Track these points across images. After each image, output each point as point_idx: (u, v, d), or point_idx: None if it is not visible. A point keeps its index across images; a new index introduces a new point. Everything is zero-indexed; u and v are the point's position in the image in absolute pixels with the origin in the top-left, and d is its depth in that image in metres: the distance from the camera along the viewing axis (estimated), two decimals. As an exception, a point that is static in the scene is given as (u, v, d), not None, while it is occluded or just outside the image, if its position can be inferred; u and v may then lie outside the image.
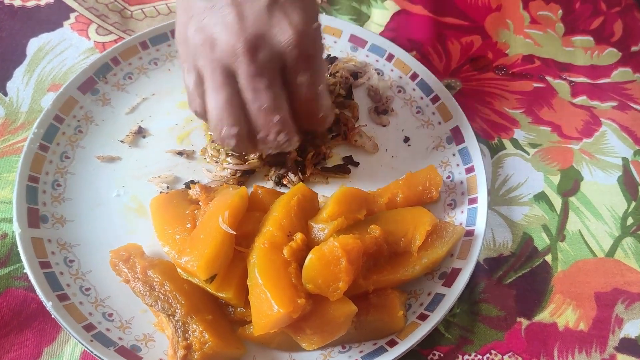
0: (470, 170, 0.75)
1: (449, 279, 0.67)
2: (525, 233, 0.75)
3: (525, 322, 0.69)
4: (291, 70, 0.62)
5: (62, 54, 0.87)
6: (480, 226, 0.70)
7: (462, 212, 0.73)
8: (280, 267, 0.59)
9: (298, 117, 0.65)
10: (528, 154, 0.82)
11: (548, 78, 0.90)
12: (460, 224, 0.72)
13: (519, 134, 0.84)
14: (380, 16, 0.95)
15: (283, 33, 0.59)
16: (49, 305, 0.61)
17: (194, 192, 0.69)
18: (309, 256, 0.58)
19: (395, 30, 0.93)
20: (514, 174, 0.80)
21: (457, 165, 0.77)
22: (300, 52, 0.60)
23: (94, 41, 0.88)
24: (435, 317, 0.64)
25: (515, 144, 0.83)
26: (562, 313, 0.70)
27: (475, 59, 0.92)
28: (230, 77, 0.60)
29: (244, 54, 0.58)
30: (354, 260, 0.59)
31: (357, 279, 0.61)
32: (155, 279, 0.62)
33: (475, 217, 0.71)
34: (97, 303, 0.65)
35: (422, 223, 0.66)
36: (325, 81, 0.66)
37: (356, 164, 0.78)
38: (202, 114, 0.65)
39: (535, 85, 0.90)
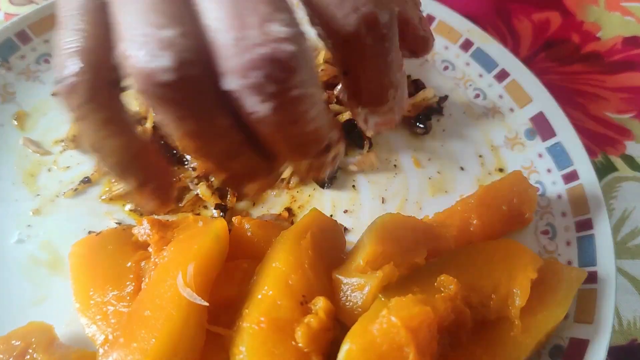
0: (571, 177, 0.50)
1: (568, 356, 0.42)
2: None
3: None
4: None
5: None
6: (606, 265, 0.45)
7: (567, 243, 0.48)
8: (291, 366, 0.33)
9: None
10: (653, 177, 0.57)
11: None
12: (569, 262, 0.46)
13: (634, 148, 0.59)
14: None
15: None
16: None
17: (140, 230, 0.43)
18: (345, 346, 0.32)
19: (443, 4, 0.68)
20: (637, 208, 0.54)
21: (549, 171, 0.52)
22: None
23: (5, 12, 0.65)
24: None
25: (631, 162, 0.58)
26: None
27: (553, 43, 0.67)
28: None
29: None
30: (427, 346, 0.33)
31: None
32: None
33: (593, 250, 0.46)
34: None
35: (520, 267, 0.41)
36: None
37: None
38: None
39: (647, 78, 0.65)
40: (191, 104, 0.27)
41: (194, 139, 0.29)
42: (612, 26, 0.69)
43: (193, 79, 0.27)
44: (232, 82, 0.26)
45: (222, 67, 0.26)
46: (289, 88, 0.27)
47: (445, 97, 0.57)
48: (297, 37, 0.26)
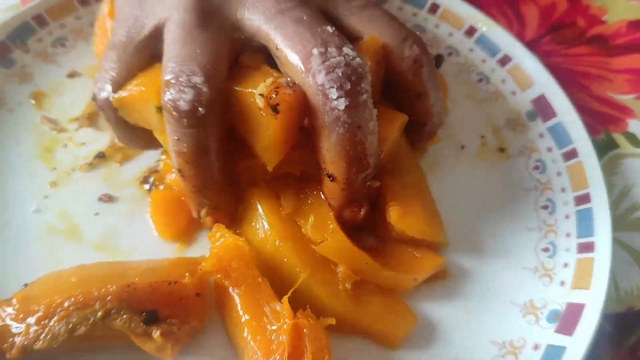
0: (571, 155, 0.53)
1: (565, 321, 0.44)
2: (666, 273, 0.51)
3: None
4: None
5: (-27, 11, 0.65)
6: (603, 235, 0.47)
7: (566, 217, 0.50)
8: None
9: None
10: (654, 153, 0.59)
11: (668, 50, 0.68)
12: (568, 235, 0.49)
13: (636, 126, 0.61)
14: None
15: None
16: None
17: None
18: None
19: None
20: (637, 183, 0.56)
21: (549, 149, 0.54)
22: None
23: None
24: (557, 387, 0.40)
25: (633, 140, 0.60)
26: None
27: (559, 27, 0.70)
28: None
29: None
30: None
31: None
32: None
33: (591, 222, 0.48)
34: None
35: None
36: None
37: None
38: None
39: (651, 60, 0.68)
40: (197, 131, 0.41)
41: (187, 162, 0.42)
42: (617, 10, 0.72)
43: (203, 115, 0.40)
44: (321, 77, 0.39)
45: (314, 69, 0.39)
46: (359, 91, 0.39)
47: (441, 56, 0.58)
48: (360, 57, 0.40)
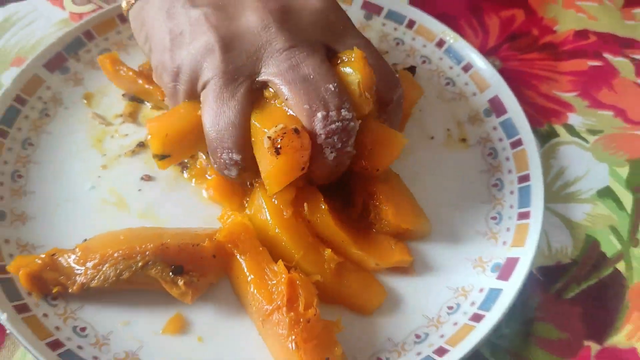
0: (516, 144, 0.66)
1: (504, 271, 0.57)
2: (589, 235, 0.64)
3: (595, 347, 0.57)
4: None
5: (30, 25, 0.78)
6: (536, 206, 0.60)
7: (511, 192, 0.63)
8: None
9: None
10: (587, 141, 0.72)
11: (607, 55, 0.81)
12: (511, 206, 0.62)
13: (574, 119, 0.74)
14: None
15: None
16: (3, 317, 0.51)
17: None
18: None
19: (423, 3, 0.84)
20: (571, 165, 0.70)
21: (500, 140, 0.67)
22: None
23: (70, 12, 0.80)
24: (493, 316, 0.53)
25: (571, 130, 0.73)
26: (643, 336, 0.59)
27: (516, 36, 0.83)
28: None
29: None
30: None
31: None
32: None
33: (529, 196, 0.61)
34: (67, 315, 0.54)
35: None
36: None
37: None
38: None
39: (591, 63, 0.80)
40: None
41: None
42: (567, 21, 0.85)
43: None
44: (321, 139, 0.50)
45: (316, 130, 0.50)
46: (346, 146, 0.51)
47: (414, 67, 0.72)
48: (353, 117, 0.51)
